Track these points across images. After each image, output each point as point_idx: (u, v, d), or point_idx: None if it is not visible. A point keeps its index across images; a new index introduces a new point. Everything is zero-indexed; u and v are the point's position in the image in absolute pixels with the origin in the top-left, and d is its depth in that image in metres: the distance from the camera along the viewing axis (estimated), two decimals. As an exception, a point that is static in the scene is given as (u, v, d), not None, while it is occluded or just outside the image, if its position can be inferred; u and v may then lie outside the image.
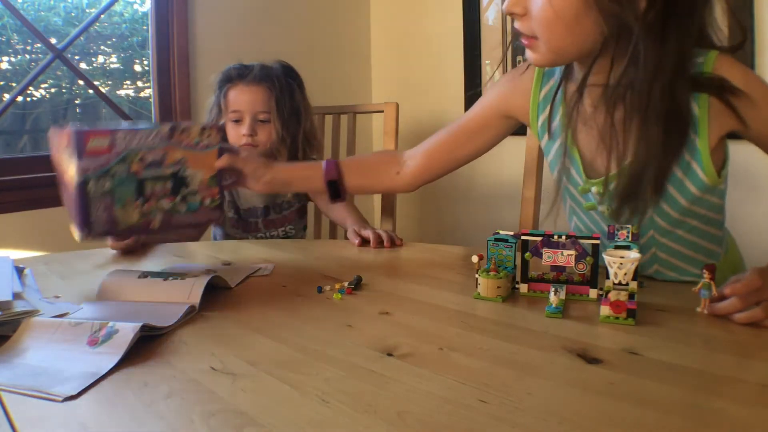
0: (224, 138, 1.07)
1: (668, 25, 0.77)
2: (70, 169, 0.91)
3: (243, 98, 1.42)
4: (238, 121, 1.43)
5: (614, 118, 0.83)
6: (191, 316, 0.81)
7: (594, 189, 0.91)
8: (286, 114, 1.44)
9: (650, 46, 0.76)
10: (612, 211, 0.88)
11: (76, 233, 0.93)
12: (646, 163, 0.81)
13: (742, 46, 0.85)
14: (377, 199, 2.37)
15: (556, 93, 0.95)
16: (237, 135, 1.42)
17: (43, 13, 1.82)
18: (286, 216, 1.53)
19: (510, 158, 2.11)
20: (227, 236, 1.52)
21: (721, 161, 0.88)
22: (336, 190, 1.11)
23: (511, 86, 1.02)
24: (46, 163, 1.75)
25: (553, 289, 0.80)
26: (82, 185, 0.90)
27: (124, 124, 0.95)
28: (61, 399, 0.58)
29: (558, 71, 0.96)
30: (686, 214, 0.90)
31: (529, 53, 0.84)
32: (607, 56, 0.81)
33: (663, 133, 0.80)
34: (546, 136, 0.98)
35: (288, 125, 1.44)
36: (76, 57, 1.88)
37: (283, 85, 1.45)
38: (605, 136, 0.85)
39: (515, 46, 2.02)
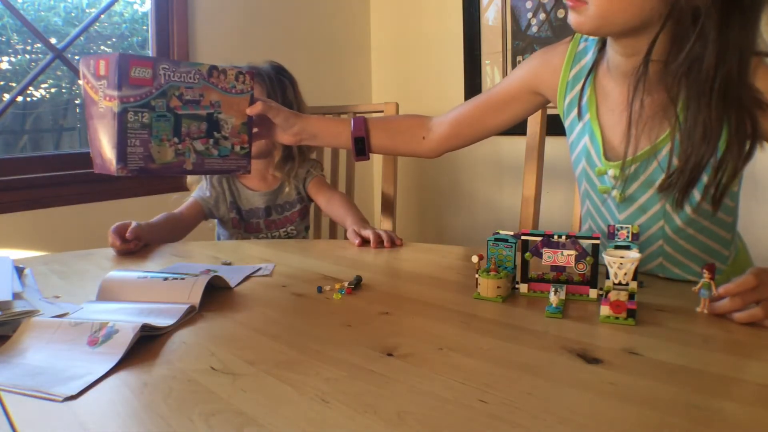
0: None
1: (732, 15, 0.77)
2: (106, 98, 0.88)
3: None
4: None
5: (644, 102, 0.83)
6: (191, 316, 0.81)
7: (611, 172, 0.92)
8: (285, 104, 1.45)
9: (716, 29, 0.77)
10: (623, 197, 0.89)
11: (112, 165, 0.89)
12: (701, 152, 0.80)
13: None
14: (377, 199, 2.38)
15: (589, 73, 0.95)
16: None
17: (43, 13, 1.82)
18: (287, 216, 1.53)
19: (510, 158, 2.12)
20: (229, 237, 1.52)
21: None
22: (362, 147, 1.12)
23: (543, 63, 1.03)
24: (46, 163, 1.76)
25: (553, 289, 0.80)
26: (122, 115, 0.87)
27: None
28: (61, 399, 0.58)
29: (590, 53, 0.96)
30: (699, 212, 0.90)
31: (572, 16, 0.83)
32: (664, 36, 0.81)
33: (720, 120, 0.79)
34: (573, 114, 0.98)
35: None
36: (76, 57, 1.88)
37: (273, 81, 1.45)
38: (642, 118, 0.85)
39: (515, 46, 2.02)
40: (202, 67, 0.96)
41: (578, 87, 0.97)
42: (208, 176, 1.47)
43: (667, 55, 0.82)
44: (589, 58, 0.97)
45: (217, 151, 0.99)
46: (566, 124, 1.01)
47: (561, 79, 0.99)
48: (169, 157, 0.94)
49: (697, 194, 0.86)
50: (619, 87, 0.92)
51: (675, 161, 0.84)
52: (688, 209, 0.89)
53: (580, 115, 0.97)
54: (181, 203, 1.51)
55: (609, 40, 0.91)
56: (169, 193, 1.74)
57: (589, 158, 0.96)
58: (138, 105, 0.89)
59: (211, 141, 0.98)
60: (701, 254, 0.95)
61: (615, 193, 0.93)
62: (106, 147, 0.90)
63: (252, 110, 1.03)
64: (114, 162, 0.88)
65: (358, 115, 1.12)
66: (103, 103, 0.89)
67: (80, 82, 0.92)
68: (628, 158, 0.89)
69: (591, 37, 0.97)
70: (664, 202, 0.90)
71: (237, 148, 1.02)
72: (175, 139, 0.94)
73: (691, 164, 0.81)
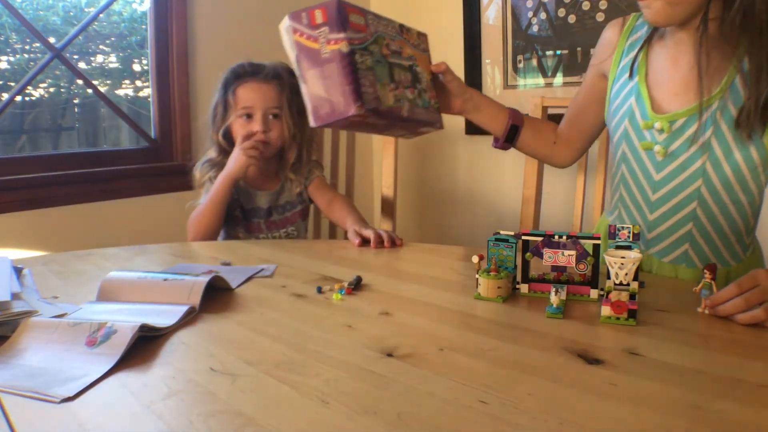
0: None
1: None
2: (330, 43, 0.87)
3: (255, 95, 1.43)
4: (249, 117, 1.43)
5: (702, 58, 0.90)
6: (191, 317, 0.81)
7: (657, 124, 0.95)
8: (296, 111, 1.46)
9: None
10: (666, 152, 0.94)
11: (349, 105, 0.87)
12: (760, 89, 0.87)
13: None
14: (377, 199, 2.37)
15: (645, 41, 1.01)
16: (247, 131, 1.42)
17: (41, 12, 1.81)
18: (288, 217, 1.52)
19: (511, 158, 2.11)
20: (229, 236, 1.51)
21: None
22: (513, 136, 1.15)
23: (601, 43, 1.11)
24: (44, 162, 1.76)
25: (553, 289, 0.80)
26: (351, 55, 0.87)
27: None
28: (58, 401, 0.57)
29: (647, 26, 1.02)
30: (737, 176, 0.93)
31: (646, 12, 0.92)
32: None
33: None
34: (624, 77, 1.03)
35: (297, 123, 1.47)
36: (75, 56, 1.88)
37: (292, 83, 1.46)
38: (696, 73, 0.91)
39: (515, 46, 2.02)
40: (394, 23, 0.98)
41: (632, 54, 1.02)
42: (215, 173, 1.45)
43: (722, 11, 0.87)
44: (645, 30, 1.02)
45: (421, 102, 1.00)
46: (613, 90, 1.05)
47: (618, 47, 1.05)
48: (390, 101, 0.93)
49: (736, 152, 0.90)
50: (671, 51, 0.97)
51: (720, 119, 0.90)
52: (727, 169, 0.92)
53: (631, 76, 1.01)
54: (185, 202, 1.51)
55: None
56: (169, 193, 1.73)
57: (633, 117, 0.99)
58: (361, 48, 0.89)
59: (416, 92, 0.99)
60: (728, 231, 0.97)
61: (658, 148, 0.95)
62: (336, 90, 0.88)
63: (438, 67, 1.05)
64: (352, 101, 0.87)
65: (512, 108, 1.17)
66: (326, 48, 0.88)
67: (288, 40, 0.91)
68: (680, 110, 0.93)
69: None
70: (704, 159, 0.93)
71: (432, 102, 1.03)
72: (392, 85, 0.94)
73: (761, 103, 0.86)
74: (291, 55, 0.92)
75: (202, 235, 1.40)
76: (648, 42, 1.01)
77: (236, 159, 1.39)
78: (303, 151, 1.50)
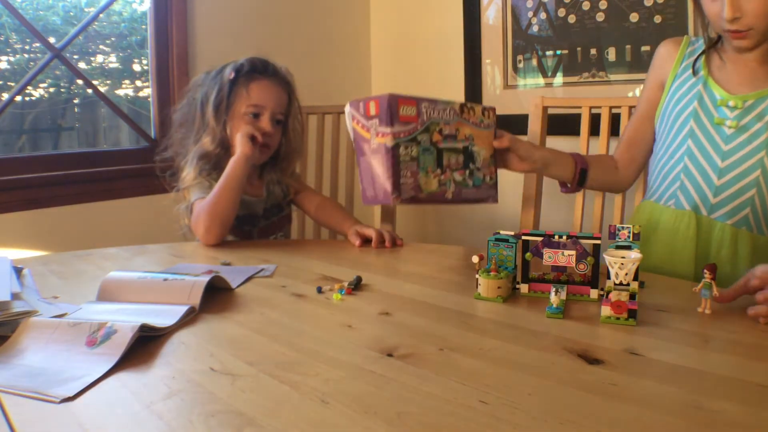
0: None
1: None
2: (378, 135, 0.93)
3: (269, 95, 1.38)
4: (255, 116, 1.38)
5: None
6: (191, 317, 0.81)
7: (731, 102, 1.07)
8: (299, 119, 1.47)
9: None
10: (737, 126, 1.06)
11: (387, 195, 0.94)
12: None
13: None
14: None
15: (706, 49, 1.13)
16: (250, 129, 1.35)
17: (41, 12, 1.81)
18: (275, 222, 1.49)
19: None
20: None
21: None
22: (584, 178, 1.21)
23: (657, 59, 1.21)
24: (44, 162, 1.76)
25: (553, 289, 0.80)
26: (395, 149, 0.93)
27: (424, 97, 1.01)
28: (58, 401, 0.57)
29: (701, 42, 1.15)
30: None
31: (740, 42, 1.04)
32: None
33: None
34: (687, 73, 1.15)
35: (299, 130, 1.48)
36: (75, 56, 1.88)
37: (295, 94, 1.47)
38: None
39: (515, 46, 2.02)
40: (454, 105, 1.02)
41: (692, 58, 1.15)
42: (209, 177, 1.41)
43: None
44: (700, 44, 1.15)
45: (472, 181, 1.06)
46: (674, 86, 1.16)
47: (677, 56, 1.17)
48: (433, 187, 0.99)
49: None
50: (730, 54, 1.10)
51: None
52: None
53: (694, 72, 1.14)
54: (176, 203, 1.47)
55: None
56: (169, 193, 1.72)
57: (702, 99, 1.11)
58: (407, 140, 0.94)
59: (467, 172, 1.04)
60: None
61: (730, 123, 1.07)
62: (379, 179, 0.96)
63: (501, 143, 1.09)
64: (390, 192, 0.94)
65: (571, 152, 1.22)
66: (375, 140, 0.94)
67: (349, 125, 0.99)
68: (750, 93, 1.06)
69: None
70: None
71: (487, 178, 1.08)
72: (438, 171, 0.99)
73: None
74: (352, 137, 0.99)
75: (221, 218, 1.26)
76: (706, 51, 1.13)
77: (244, 142, 1.32)
78: (296, 159, 1.50)
